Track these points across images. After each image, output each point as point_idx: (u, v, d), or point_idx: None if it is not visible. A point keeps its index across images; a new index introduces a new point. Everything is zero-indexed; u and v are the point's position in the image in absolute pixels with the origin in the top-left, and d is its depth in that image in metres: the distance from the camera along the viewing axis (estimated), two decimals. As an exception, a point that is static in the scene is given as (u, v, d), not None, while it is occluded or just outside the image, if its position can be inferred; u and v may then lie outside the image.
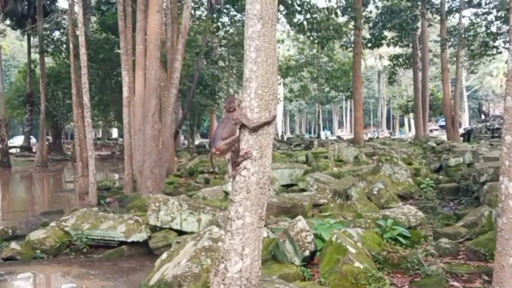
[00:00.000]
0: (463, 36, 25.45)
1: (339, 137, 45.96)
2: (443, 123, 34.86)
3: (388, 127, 79.04)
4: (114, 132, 63.73)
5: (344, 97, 46.37)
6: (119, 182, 17.04)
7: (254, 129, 4.16)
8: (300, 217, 6.01)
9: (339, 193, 9.80)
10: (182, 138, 39.28)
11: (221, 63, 28.90)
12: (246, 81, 3.92)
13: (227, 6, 27.70)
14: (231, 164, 4.39)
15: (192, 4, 24.81)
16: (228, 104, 4.58)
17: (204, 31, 23.67)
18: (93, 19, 28.42)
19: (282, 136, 50.17)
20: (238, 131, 4.29)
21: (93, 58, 24.02)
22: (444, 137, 29.31)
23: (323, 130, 71.90)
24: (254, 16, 3.79)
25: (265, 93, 3.92)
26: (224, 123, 4.61)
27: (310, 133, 78.97)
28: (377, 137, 44.87)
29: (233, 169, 4.22)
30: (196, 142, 37.18)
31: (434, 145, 19.39)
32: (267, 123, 4.22)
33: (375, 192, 9.48)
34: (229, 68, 29.23)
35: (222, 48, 28.84)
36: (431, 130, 48.02)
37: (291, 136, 52.11)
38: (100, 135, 57.36)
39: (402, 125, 76.21)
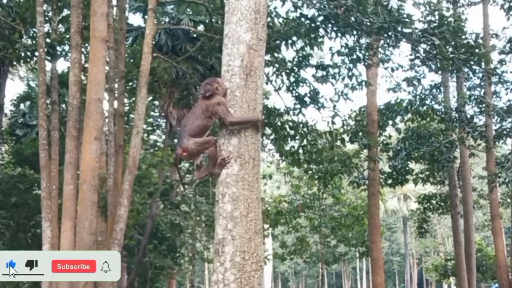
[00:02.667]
0: (518, 169, 25.90)
1: (352, 311, 45.06)
2: (498, 291, 34.55)
3: (421, 296, 78.25)
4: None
5: (357, 254, 46.18)
6: None
7: (232, 124, 4.30)
8: None
9: None
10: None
11: (184, 208, 28.97)
12: (218, 243, 3.85)
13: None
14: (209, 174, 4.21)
15: (145, 126, 25.48)
16: (204, 87, 4.53)
17: (161, 163, 24.00)
18: (4, 147, 28.77)
19: (270, 310, 49.12)
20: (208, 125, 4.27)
21: (3, 203, 23.90)
22: (501, 311, 28.84)
23: (330, 301, 70.68)
24: (229, 154, 3.83)
25: (246, 261, 3.84)
26: (194, 114, 4.50)
27: (311, 305, 77.61)
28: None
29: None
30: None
31: (489, 324, 19.01)
32: (250, 122, 4.38)
33: None
34: (196, 214, 29.26)
35: (186, 186, 29.06)
36: (482, 301, 47.36)
37: (284, 310, 51.03)
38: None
39: (440, 293, 75.47)
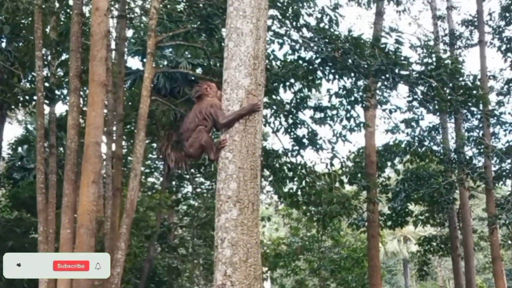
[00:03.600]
0: (519, 211, 25.73)
1: None
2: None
3: None
4: None
5: (358, 298, 45.73)
6: None
7: (225, 126, 4.69)
8: None
9: None
10: None
11: (182, 250, 28.79)
12: (217, 290, 3.83)
13: (191, 170, 28.36)
14: None
15: (143, 169, 25.46)
16: (193, 90, 4.91)
17: (159, 206, 23.95)
18: (1, 191, 28.68)
19: None
20: (207, 128, 4.59)
21: (-1, 247, 23.81)
22: None
23: None
24: (228, 199, 3.82)
25: (245, 307, 3.82)
26: (189, 119, 4.86)
27: None
28: None
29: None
30: None
31: None
32: (244, 115, 4.81)
33: None
34: (194, 257, 29.07)
35: (184, 229, 28.93)
36: None
37: None
38: None
39: (443, 338, 74.50)
